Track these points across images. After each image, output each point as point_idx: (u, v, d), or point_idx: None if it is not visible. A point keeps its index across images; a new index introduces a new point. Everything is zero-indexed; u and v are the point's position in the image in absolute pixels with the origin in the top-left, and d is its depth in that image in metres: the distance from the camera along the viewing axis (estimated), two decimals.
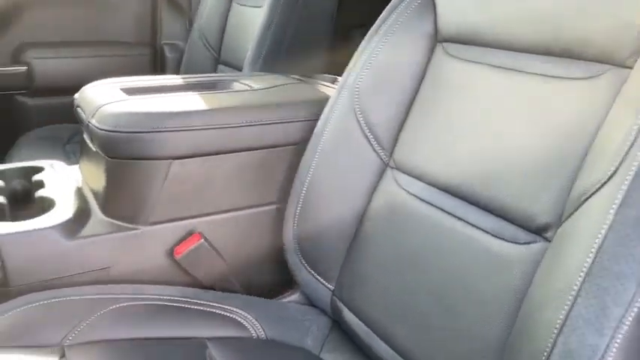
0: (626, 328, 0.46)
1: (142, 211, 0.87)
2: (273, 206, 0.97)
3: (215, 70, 1.82)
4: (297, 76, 1.27)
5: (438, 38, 0.84)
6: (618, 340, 0.47)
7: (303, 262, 0.92)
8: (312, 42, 1.42)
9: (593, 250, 0.49)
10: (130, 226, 0.88)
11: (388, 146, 0.86)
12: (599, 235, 0.49)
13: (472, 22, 0.78)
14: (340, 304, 0.87)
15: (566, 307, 0.50)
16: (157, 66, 2.12)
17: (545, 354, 0.51)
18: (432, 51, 0.85)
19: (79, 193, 0.94)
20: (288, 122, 0.96)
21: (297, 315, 0.92)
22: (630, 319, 0.46)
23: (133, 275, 0.87)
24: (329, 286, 0.89)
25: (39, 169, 1.05)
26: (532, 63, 0.70)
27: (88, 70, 1.92)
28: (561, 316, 0.50)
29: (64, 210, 0.87)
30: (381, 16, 0.90)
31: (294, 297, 0.97)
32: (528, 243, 0.63)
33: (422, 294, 0.73)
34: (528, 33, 0.70)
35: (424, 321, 0.72)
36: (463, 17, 0.80)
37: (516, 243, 0.64)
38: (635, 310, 0.46)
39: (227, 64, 1.76)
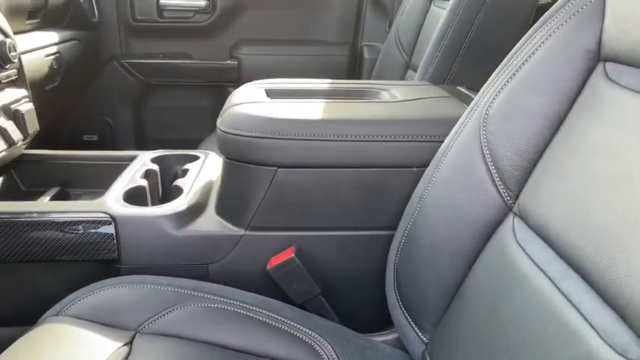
0: None
1: (245, 215, 0.87)
2: (383, 232, 0.87)
3: (403, 76, 1.75)
4: (463, 89, 1.12)
5: (601, 55, 0.64)
6: None
7: (400, 303, 0.81)
8: (492, 51, 1.24)
9: None
10: (234, 228, 0.88)
11: (514, 187, 0.69)
12: None
13: None
14: None
15: None
16: (355, 67, 2.13)
17: None
18: (590, 71, 0.64)
19: (207, 187, 0.99)
20: (415, 141, 0.85)
21: (383, 357, 0.81)
22: None
23: (226, 277, 0.87)
24: (423, 338, 0.77)
25: (194, 158, 1.13)
26: None
27: (289, 66, 2.04)
28: None
29: (182, 202, 0.91)
30: (535, 25, 0.72)
31: (389, 337, 0.87)
32: None
33: None
34: None
35: None
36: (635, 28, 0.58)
37: (625, 357, 0.44)
38: None
39: (414, 69, 1.67)
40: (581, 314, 0.51)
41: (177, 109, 2.14)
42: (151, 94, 2.11)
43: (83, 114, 2.06)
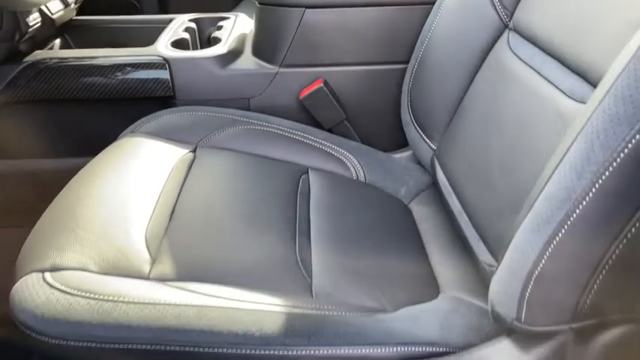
0: (607, 174, 0.43)
1: (278, 54, 1.01)
2: (398, 66, 1.01)
3: None
4: None
5: None
6: (596, 186, 0.44)
7: (413, 120, 0.96)
8: None
9: (602, 93, 0.45)
10: (269, 66, 1.02)
11: (510, 6, 0.81)
12: (612, 79, 0.44)
13: None
14: (437, 164, 0.90)
15: (562, 154, 0.48)
16: None
17: (534, 199, 0.50)
18: None
19: (241, 36, 1.12)
20: None
21: (400, 168, 0.98)
22: (614, 164, 0.43)
23: (266, 108, 1.03)
24: (432, 145, 0.92)
25: (226, 18, 1.25)
26: None
27: None
28: (556, 162, 0.48)
29: (223, 46, 1.05)
30: None
31: (405, 154, 1.03)
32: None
33: (491, 152, 0.73)
34: None
35: (487, 178, 0.72)
36: None
37: (581, 102, 0.59)
38: (620, 157, 0.42)
39: None
40: (558, 88, 0.65)
41: None
42: None
43: None
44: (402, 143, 1.03)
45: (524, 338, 0.57)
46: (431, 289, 0.72)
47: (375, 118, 1.05)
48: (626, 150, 0.43)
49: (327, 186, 0.90)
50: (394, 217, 0.88)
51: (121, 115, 1.03)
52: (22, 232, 0.74)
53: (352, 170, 0.96)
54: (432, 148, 0.92)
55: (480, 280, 0.70)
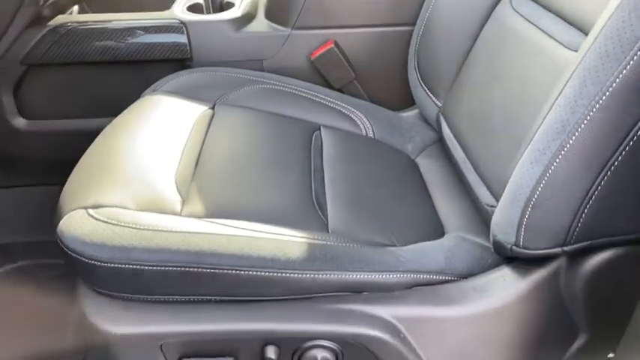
0: (597, 107, 0.49)
1: (290, 16, 1.05)
2: (406, 27, 1.06)
3: None
4: None
5: None
6: (587, 118, 0.49)
7: (419, 78, 1.01)
8: None
9: (594, 35, 0.50)
10: (281, 28, 1.07)
11: None
12: (603, 22, 0.49)
13: None
14: (442, 119, 0.95)
15: (558, 93, 0.53)
16: None
17: (532, 136, 0.56)
18: None
19: (254, 1, 1.16)
20: None
21: (407, 125, 1.03)
22: (603, 98, 0.48)
23: (279, 69, 1.08)
24: (437, 103, 0.98)
25: None
26: None
27: None
28: (552, 101, 0.54)
29: (237, 10, 1.10)
30: None
31: (412, 113, 1.08)
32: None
33: (494, 104, 0.78)
34: None
35: (489, 127, 0.78)
36: None
37: (574, 50, 0.64)
38: (609, 91, 0.48)
39: None
40: (556, 40, 0.70)
41: None
42: None
43: None
44: (409, 102, 1.08)
45: (521, 265, 0.64)
46: (437, 230, 0.79)
47: (384, 78, 1.10)
48: (614, 84, 0.49)
49: (339, 141, 0.95)
50: (402, 169, 0.93)
51: (141, 78, 1.08)
52: (49, 191, 0.79)
53: (362, 127, 1.01)
54: (437, 105, 0.98)
55: (482, 221, 0.76)
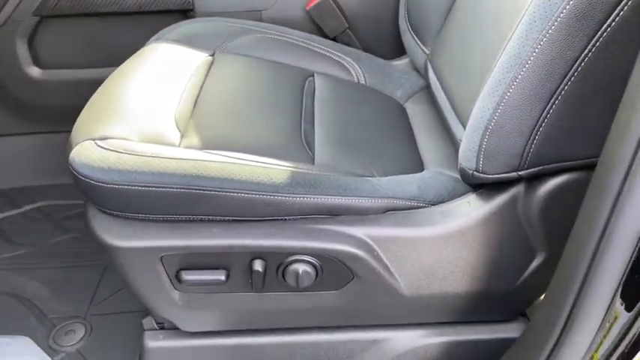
0: (544, 40, 0.54)
1: None
2: None
3: None
4: None
5: None
6: (536, 51, 0.55)
7: (409, 28, 1.06)
8: None
9: None
10: None
11: None
12: None
13: None
14: (429, 66, 1.00)
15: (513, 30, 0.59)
16: None
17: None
18: None
19: None
20: None
21: (397, 73, 1.09)
22: (550, 31, 0.54)
23: (276, 20, 1.13)
24: (425, 50, 1.03)
25: None
26: None
27: None
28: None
29: None
30: None
31: (402, 62, 1.13)
32: None
33: (472, 49, 0.83)
34: None
35: (467, 71, 0.83)
36: None
37: None
38: (554, 24, 0.53)
39: None
40: None
41: None
42: None
43: None
44: (399, 52, 1.13)
45: (484, 192, 0.70)
46: (416, 165, 0.85)
47: (376, 28, 1.14)
48: (559, 18, 0.54)
49: (331, 86, 1.01)
50: (390, 112, 0.99)
51: (144, 28, 1.14)
52: (63, 137, 0.85)
53: (354, 74, 1.07)
54: (425, 53, 1.03)
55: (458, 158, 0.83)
